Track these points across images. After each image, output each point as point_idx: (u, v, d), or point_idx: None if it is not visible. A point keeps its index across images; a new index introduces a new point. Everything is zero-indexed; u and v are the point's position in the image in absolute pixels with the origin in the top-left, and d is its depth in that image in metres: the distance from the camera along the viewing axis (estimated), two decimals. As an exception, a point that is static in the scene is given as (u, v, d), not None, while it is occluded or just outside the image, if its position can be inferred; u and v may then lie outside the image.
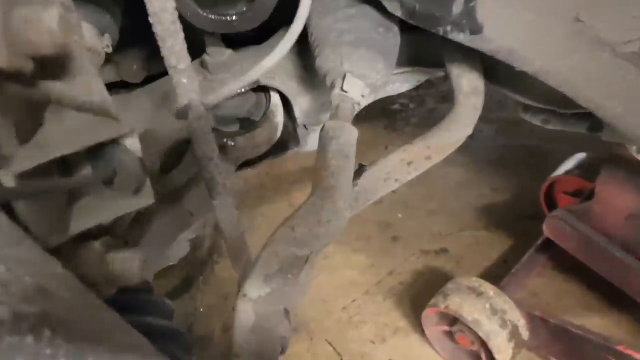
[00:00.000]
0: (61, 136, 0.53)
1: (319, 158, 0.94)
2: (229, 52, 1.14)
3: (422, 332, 1.64)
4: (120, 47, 1.19)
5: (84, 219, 0.56)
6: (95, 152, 0.55)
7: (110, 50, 1.09)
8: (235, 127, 1.17)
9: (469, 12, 0.95)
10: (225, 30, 1.01)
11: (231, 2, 1.02)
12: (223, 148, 1.13)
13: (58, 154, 0.52)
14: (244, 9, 0.99)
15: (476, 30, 0.97)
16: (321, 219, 0.88)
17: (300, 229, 0.87)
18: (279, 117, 1.20)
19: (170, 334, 0.79)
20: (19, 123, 0.52)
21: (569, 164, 1.82)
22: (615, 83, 0.92)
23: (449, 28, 0.98)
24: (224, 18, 0.99)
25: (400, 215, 2.12)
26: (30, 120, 0.54)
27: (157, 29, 0.70)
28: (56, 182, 0.53)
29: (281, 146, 1.28)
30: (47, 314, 0.47)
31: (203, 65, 1.15)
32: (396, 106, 2.77)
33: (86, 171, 0.56)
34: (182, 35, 0.71)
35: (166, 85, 1.17)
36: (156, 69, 1.33)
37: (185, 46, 0.72)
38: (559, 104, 1.17)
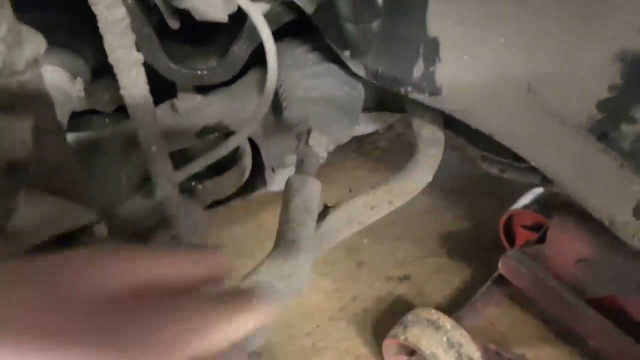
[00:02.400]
0: (33, 224, 0.57)
1: (282, 212, 0.98)
2: (199, 97, 1.17)
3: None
4: (92, 76, 1.21)
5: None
6: (65, 238, 0.59)
7: (82, 94, 1.12)
8: (204, 169, 1.20)
9: (429, 76, 1.01)
10: (196, 83, 1.05)
11: (202, 56, 1.05)
12: (192, 191, 1.16)
13: (30, 244, 0.55)
14: (214, 64, 1.03)
15: (435, 91, 1.02)
16: (282, 273, 0.92)
17: (262, 284, 0.91)
18: (247, 160, 1.24)
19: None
20: (-9, 212, 0.55)
21: (527, 198, 1.88)
22: (563, 149, 0.97)
23: (409, 89, 1.03)
24: (194, 72, 1.02)
25: (365, 241, 2.17)
26: (4, 205, 0.57)
27: (128, 102, 0.73)
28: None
29: (248, 187, 1.32)
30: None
31: (173, 108, 1.18)
32: (365, 130, 2.82)
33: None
34: (152, 107, 0.75)
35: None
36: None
37: (155, 118, 0.75)
38: (514, 157, 1.23)
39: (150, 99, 0.73)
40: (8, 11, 0.56)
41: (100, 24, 0.67)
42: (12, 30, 0.55)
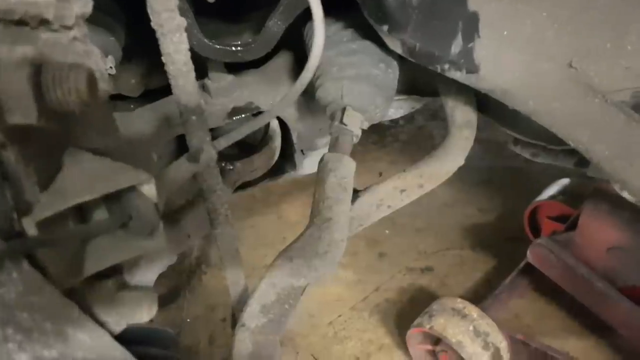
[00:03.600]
0: (79, 182, 0.55)
1: (317, 189, 0.97)
2: (230, 77, 1.16)
3: (406, 350, 1.66)
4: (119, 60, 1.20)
5: (97, 260, 0.58)
6: (112, 197, 0.58)
7: (113, 71, 1.11)
8: (234, 150, 1.19)
9: (467, 53, 0.99)
10: (230, 59, 1.03)
11: (236, 32, 1.04)
12: (221, 172, 1.14)
13: (77, 201, 0.54)
14: (249, 40, 1.02)
15: (473, 69, 1.00)
16: (318, 251, 0.90)
17: (297, 260, 0.90)
18: (277, 141, 1.22)
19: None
20: (39, 169, 0.54)
21: (553, 188, 1.85)
22: (604, 128, 0.95)
23: (446, 66, 1.01)
24: (228, 48, 1.01)
25: (387, 232, 2.16)
26: (49, 165, 0.56)
27: (169, 69, 0.72)
28: (74, 231, 0.56)
29: (278, 169, 1.30)
30: (65, 356, 0.50)
31: (204, 88, 1.17)
32: (386, 122, 2.80)
33: (102, 216, 0.58)
34: (193, 74, 0.73)
35: (167, 105, 1.18)
36: (155, 83, 1.34)
37: (196, 85, 0.74)
38: (548, 140, 1.21)
39: (192, 66, 0.72)
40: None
41: (142, -14, 0.66)
42: (61, -15, 0.54)
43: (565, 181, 1.86)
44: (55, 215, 0.54)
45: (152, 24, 0.69)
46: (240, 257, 0.93)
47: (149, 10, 0.67)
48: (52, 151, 0.56)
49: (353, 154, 1.04)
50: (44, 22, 0.52)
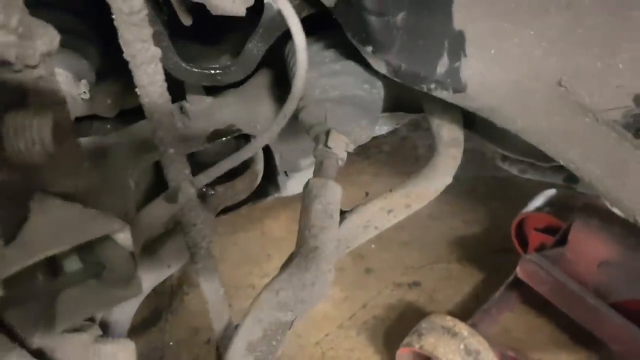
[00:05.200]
0: (48, 232, 0.51)
1: (302, 217, 0.93)
2: (209, 99, 1.12)
3: (396, 369, 1.64)
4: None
5: (69, 314, 0.54)
6: (84, 246, 0.53)
7: (87, 96, 1.06)
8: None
9: (453, 72, 0.96)
10: (209, 83, 0.99)
11: (214, 55, 1.00)
12: (203, 197, 1.11)
13: (46, 254, 0.50)
14: (228, 63, 0.98)
15: (459, 88, 0.98)
16: (305, 282, 0.87)
17: (284, 293, 0.86)
18: (259, 164, 1.19)
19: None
20: (3, 220, 0.49)
21: (539, 200, 1.85)
22: (595, 147, 0.93)
23: (432, 86, 0.98)
24: (207, 71, 0.97)
25: (373, 246, 2.13)
26: (13, 215, 0.51)
27: (144, 101, 0.68)
28: (44, 286, 0.51)
29: (261, 192, 1.27)
30: None
31: (182, 111, 1.13)
32: (369, 133, 2.78)
33: (74, 265, 0.54)
34: (169, 106, 0.70)
35: (144, 128, 1.14)
36: (130, 103, 1.30)
37: (172, 118, 0.70)
38: (537, 156, 1.19)
39: (168, 97, 0.68)
40: (19, 1, 0.51)
41: (114, 16, 0.62)
42: (23, 22, 0.50)
43: (551, 192, 1.85)
44: (22, 270, 0.49)
45: (125, 55, 0.64)
46: (224, 290, 0.89)
47: (120, 41, 0.63)
48: (16, 199, 0.52)
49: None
50: (5, 64, 0.48)
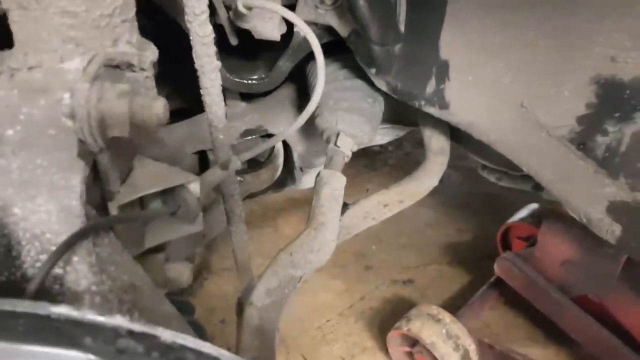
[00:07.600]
0: (146, 179, 0.77)
1: (315, 199, 1.18)
2: (243, 104, 1.38)
3: (387, 352, 1.85)
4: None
5: (153, 237, 0.80)
6: (166, 191, 0.79)
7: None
8: (244, 165, 1.41)
9: (439, 92, 1.21)
10: (245, 90, 1.25)
11: (252, 68, 1.26)
12: (234, 182, 1.36)
13: (145, 192, 0.75)
14: (263, 76, 1.24)
15: (444, 106, 1.22)
16: (313, 248, 1.11)
17: (296, 254, 1.10)
18: (280, 159, 1.44)
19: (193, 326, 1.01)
20: (120, 168, 0.75)
21: (523, 212, 2.06)
22: (548, 157, 1.15)
23: (422, 102, 1.23)
24: (245, 81, 1.23)
25: (374, 247, 2.36)
26: (126, 166, 0.77)
27: (206, 99, 0.94)
28: (140, 214, 0.77)
29: (280, 183, 1.52)
30: (136, 301, 0.70)
31: (221, 112, 1.39)
32: (376, 148, 3.04)
33: (157, 206, 0.80)
34: (223, 103, 0.95)
35: (195, 123, 1.38)
36: (172, 106, 1.55)
37: (224, 111, 0.96)
38: (510, 166, 1.42)
39: (222, 97, 0.94)
40: (136, 25, 0.77)
41: (191, 37, 0.87)
42: (138, 39, 0.77)
43: (534, 206, 2.07)
44: (129, 203, 0.75)
45: (196, 65, 0.90)
46: (249, 249, 1.14)
47: (194, 55, 0.89)
48: (128, 156, 0.78)
49: (347, 176, 1.25)
50: (130, 66, 0.74)
